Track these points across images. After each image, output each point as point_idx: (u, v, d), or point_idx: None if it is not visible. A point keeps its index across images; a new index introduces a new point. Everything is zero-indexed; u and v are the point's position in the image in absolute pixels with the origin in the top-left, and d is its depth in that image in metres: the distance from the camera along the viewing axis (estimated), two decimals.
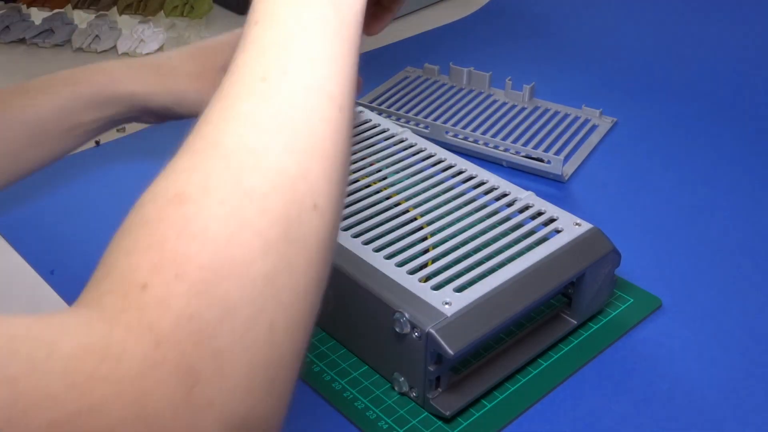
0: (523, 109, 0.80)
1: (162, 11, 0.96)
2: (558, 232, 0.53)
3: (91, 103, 0.57)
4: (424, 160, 0.61)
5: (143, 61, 0.60)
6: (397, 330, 0.47)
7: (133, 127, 0.76)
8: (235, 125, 0.29)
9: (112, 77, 0.57)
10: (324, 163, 0.30)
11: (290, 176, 0.28)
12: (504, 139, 0.74)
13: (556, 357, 0.53)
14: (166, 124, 0.62)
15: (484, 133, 0.75)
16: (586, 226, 0.54)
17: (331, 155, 0.30)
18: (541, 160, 0.71)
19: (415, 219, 0.55)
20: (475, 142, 0.74)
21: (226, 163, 0.28)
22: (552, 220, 0.55)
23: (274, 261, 0.27)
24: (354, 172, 0.58)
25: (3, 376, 0.21)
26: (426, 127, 0.75)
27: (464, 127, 0.76)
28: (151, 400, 0.23)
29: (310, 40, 0.32)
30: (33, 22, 0.96)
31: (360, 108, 0.66)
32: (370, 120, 0.64)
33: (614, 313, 0.56)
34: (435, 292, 0.48)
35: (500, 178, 0.58)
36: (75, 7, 0.96)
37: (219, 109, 0.30)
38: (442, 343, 0.45)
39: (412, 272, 0.49)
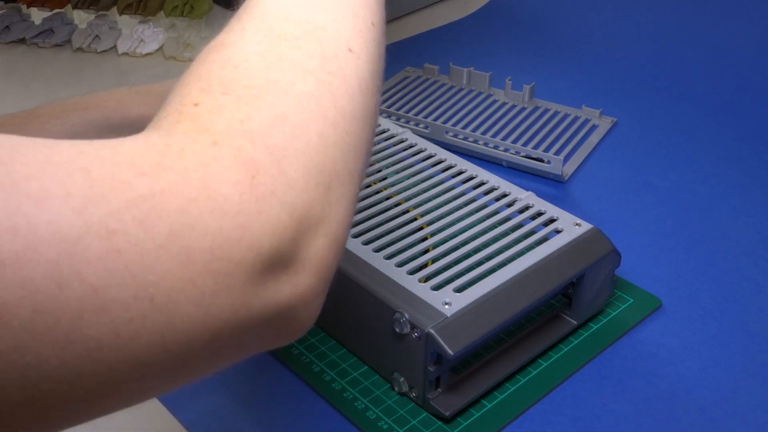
0: (523, 109, 0.80)
1: (162, 11, 0.96)
2: (558, 232, 0.53)
3: (101, 127, 0.58)
4: (424, 160, 0.61)
5: (150, 87, 0.62)
6: (397, 330, 0.47)
7: None
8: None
9: (121, 102, 0.59)
10: (354, 19, 0.33)
11: (320, 24, 0.32)
12: (504, 139, 0.74)
13: (556, 357, 0.53)
14: None
15: (484, 133, 0.75)
16: (586, 226, 0.54)
17: (361, 15, 0.33)
18: (541, 160, 0.71)
19: (415, 219, 0.55)
20: (475, 142, 0.74)
21: (259, 20, 0.32)
22: (552, 221, 0.55)
23: (315, 84, 0.30)
24: None
25: (74, 168, 0.23)
26: (426, 127, 0.75)
27: (464, 127, 0.76)
28: (217, 184, 0.25)
29: None
30: (33, 22, 0.96)
31: None
32: None
33: (614, 313, 0.56)
34: (435, 292, 0.48)
35: (500, 178, 0.58)
36: (75, 7, 0.96)
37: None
38: (442, 343, 0.45)
39: (412, 272, 0.49)
